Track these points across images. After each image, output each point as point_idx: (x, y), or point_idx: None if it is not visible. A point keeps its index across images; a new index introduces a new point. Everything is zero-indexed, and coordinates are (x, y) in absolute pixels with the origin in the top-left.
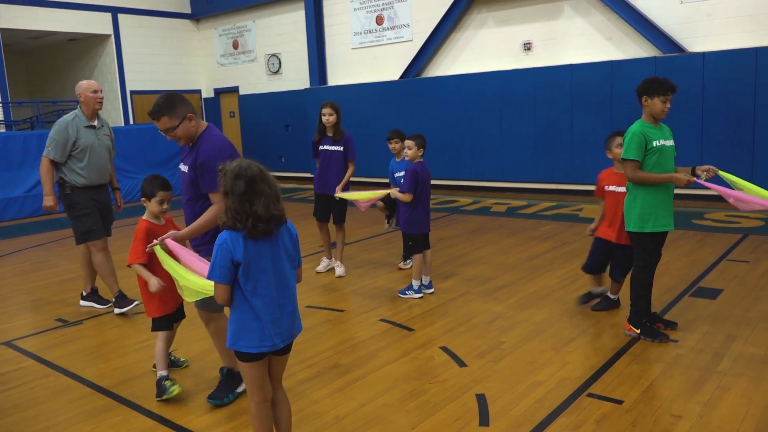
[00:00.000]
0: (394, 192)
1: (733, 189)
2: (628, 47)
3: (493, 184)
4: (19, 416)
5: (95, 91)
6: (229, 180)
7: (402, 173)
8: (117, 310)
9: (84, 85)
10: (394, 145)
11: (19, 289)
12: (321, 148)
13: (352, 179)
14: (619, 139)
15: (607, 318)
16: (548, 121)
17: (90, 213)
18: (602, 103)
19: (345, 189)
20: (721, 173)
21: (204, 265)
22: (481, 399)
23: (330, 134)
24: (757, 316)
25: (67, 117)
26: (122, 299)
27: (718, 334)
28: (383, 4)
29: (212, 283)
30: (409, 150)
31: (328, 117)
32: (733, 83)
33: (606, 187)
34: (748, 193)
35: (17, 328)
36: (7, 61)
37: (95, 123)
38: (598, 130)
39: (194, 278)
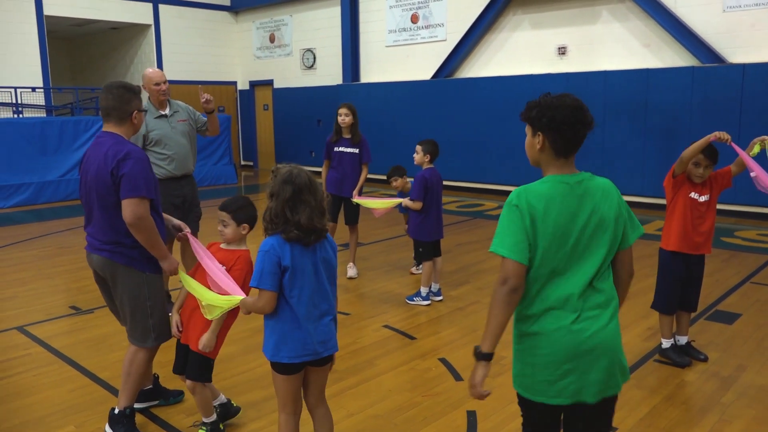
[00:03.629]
0: (405, 201)
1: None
2: (666, 55)
3: None
4: (18, 403)
5: (157, 84)
6: (278, 183)
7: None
8: None
9: (147, 77)
10: (394, 183)
11: (41, 273)
12: (336, 149)
13: (369, 177)
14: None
15: None
16: None
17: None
18: (636, 112)
19: (359, 192)
20: None
21: (223, 276)
22: (472, 416)
23: (347, 136)
24: None
25: None
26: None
27: (729, 363)
28: (419, 2)
29: (234, 297)
30: (416, 155)
31: (344, 117)
32: None
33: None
34: None
35: (32, 313)
36: (51, 48)
37: (166, 111)
38: (630, 139)
39: (214, 295)
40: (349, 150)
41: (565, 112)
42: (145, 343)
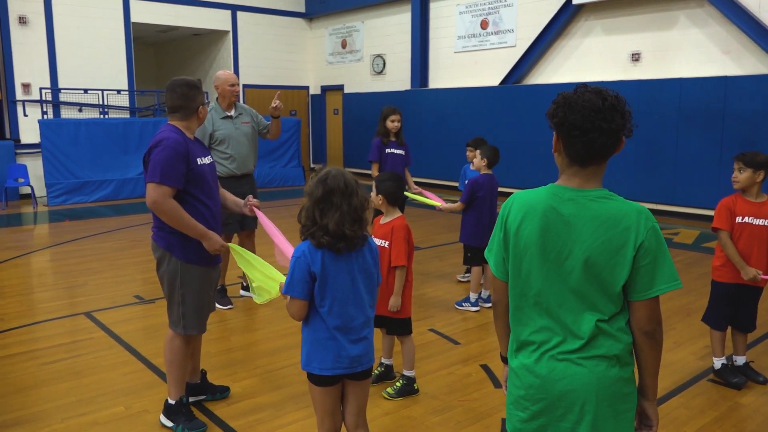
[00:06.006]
0: (442, 204)
1: None
2: (747, 62)
3: None
4: (77, 382)
5: (232, 85)
6: (313, 183)
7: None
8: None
9: (222, 77)
10: (468, 153)
11: (112, 264)
12: (388, 151)
13: (423, 181)
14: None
15: (669, 355)
16: (652, 137)
17: None
18: (713, 121)
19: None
20: None
21: (287, 245)
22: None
23: (393, 139)
24: None
25: None
26: (222, 294)
27: None
28: (489, 8)
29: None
30: (475, 159)
31: (397, 123)
32: None
33: (739, 219)
34: None
35: (99, 300)
36: (138, 53)
37: (232, 113)
38: (706, 149)
39: (265, 278)
40: (398, 151)
41: (577, 115)
42: (177, 329)
